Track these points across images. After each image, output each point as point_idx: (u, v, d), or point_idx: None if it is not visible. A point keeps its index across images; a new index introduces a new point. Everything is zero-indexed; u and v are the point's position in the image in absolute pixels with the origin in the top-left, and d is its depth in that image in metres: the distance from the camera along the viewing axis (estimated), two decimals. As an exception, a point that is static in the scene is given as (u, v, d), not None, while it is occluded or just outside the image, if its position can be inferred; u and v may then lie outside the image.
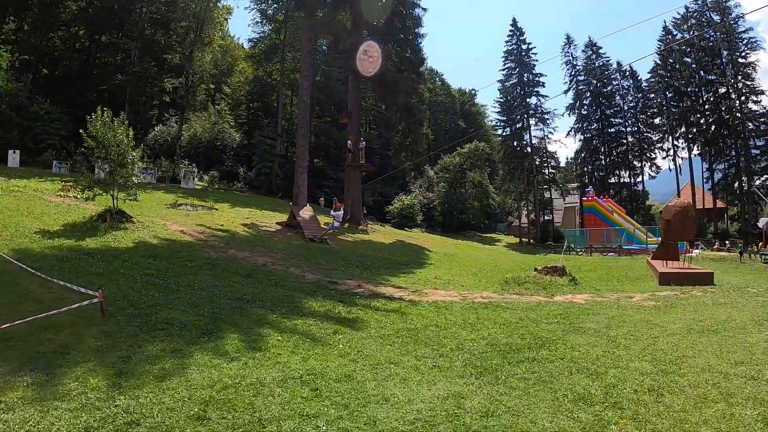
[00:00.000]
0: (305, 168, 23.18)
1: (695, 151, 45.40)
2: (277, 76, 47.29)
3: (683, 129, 46.01)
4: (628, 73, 50.14)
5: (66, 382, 4.28)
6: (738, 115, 41.32)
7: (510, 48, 48.51)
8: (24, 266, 7.66)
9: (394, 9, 27.84)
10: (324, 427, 3.76)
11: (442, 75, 70.80)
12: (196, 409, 3.92)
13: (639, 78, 50.22)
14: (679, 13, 45.52)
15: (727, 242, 33.28)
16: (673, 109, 46.27)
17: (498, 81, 50.17)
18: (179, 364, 4.97)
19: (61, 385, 4.23)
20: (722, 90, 43.27)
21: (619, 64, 49.89)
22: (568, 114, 51.73)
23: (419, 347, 6.24)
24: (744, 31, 42.22)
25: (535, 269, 14.06)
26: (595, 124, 50.76)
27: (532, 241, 44.48)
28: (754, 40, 42.03)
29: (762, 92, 41.45)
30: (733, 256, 24.97)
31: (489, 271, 16.07)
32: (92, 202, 14.52)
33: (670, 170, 47.36)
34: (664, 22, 46.79)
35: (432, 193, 47.46)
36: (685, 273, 13.38)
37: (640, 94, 49.99)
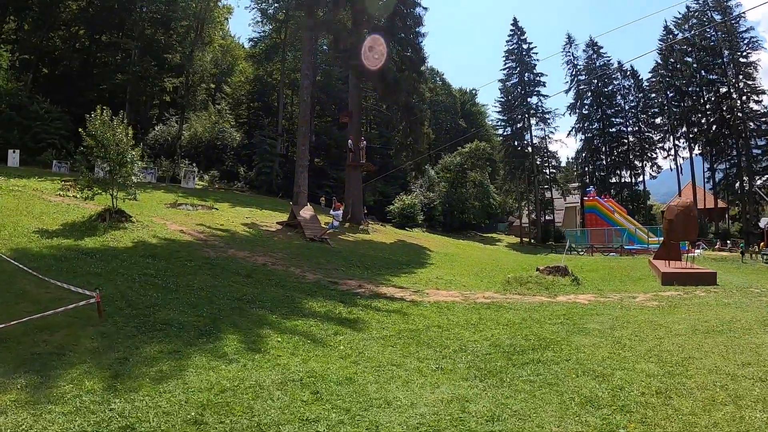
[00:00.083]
0: (306, 167, 23.12)
1: (696, 151, 45.38)
2: (278, 76, 47.25)
3: (684, 129, 45.90)
4: (629, 72, 50.13)
5: (61, 385, 4.19)
6: (739, 114, 41.21)
7: (511, 47, 48.39)
8: (21, 266, 7.58)
9: (395, 8, 27.76)
10: (325, 432, 3.66)
11: (443, 75, 70.76)
12: (193, 413, 3.81)
13: (640, 78, 50.22)
14: (680, 13, 45.52)
15: (728, 242, 33.21)
16: (674, 109, 46.17)
17: (499, 80, 50.11)
18: (177, 366, 4.87)
19: (55, 387, 4.13)
20: (723, 90, 43.17)
21: (620, 63, 49.87)
22: (569, 114, 51.70)
23: (421, 348, 6.14)
24: (745, 31, 42.18)
25: (537, 269, 13.97)
26: (596, 124, 50.67)
27: (533, 241, 44.38)
28: (755, 39, 42.02)
29: (763, 92, 41.36)
30: (735, 256, 24.92)
31: (490, 271, 15.99)
32: (91, 201, 14.46)
33: (671, 170, 47.34)
34: (665, 21, 46.80)
35: (433, 192, 47.37)
36: (688, 273, 13.31)
37: (641, 94, 49.91)
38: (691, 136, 45.37)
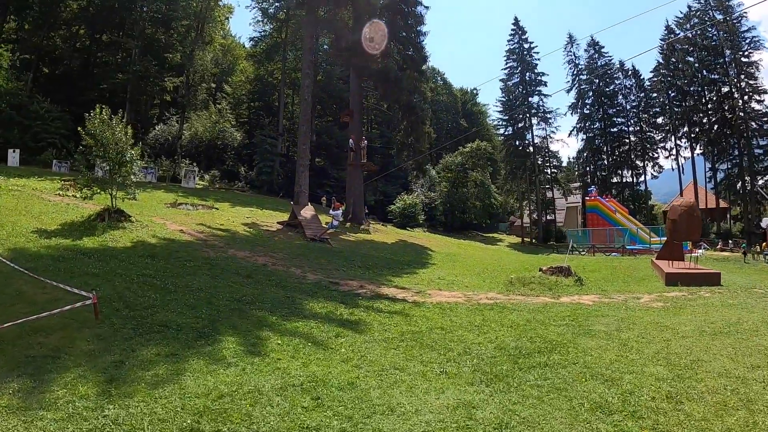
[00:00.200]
0: (306, 167, 23.04)
1: (698, 151, 45.12)
2: (279, 75, 47.16)
3: (686, 128, 45.69)
4: (630, 72, 49.88)
5: (54, 390, 4.07)
6: (741, 114, 41.01)
7: (512, 47, 48.23)
8: (17, 267, 7.46)
9: (396, 7, 27.65)
10: (326, 441, 3.54)
11: (444, 74, 70.63)
12: (189, 421, 3.69)
13: (641, 77, 49.97)
14: (681, 12, 45.35)
15: (730, 242, 33.05)
16: (676, 109, 45.99)
17: (500, 80, 49.95)
18: (174, 369, 4.75)
19: (48, 392, 4.02)
20: (725, 89, 42.96)
21: (621, 63, 49.65)
22: (571, 113, 51.47)
23: (425, 351, 6.02)
24: (747, 30, 41.91)
25: (540, 269, 13.85)
26: (597, 124, 50.48)
27: (534, 240, 44.25)
28: (756, 39, 41.69)
29: (765, 91, 41.11)
30: (737, 256, 24.80)
31: (492, 271, 15.87)
32: (91, 201, 14.35)
33: (673, 170, 47.10)
34: (667, 21, 46.62)
35: (434, 192, 47.27)
36: (692, 273, 13.20)
37: (643, 94, 49.69)
38: (692, 135, 45.18)
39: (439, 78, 68.06)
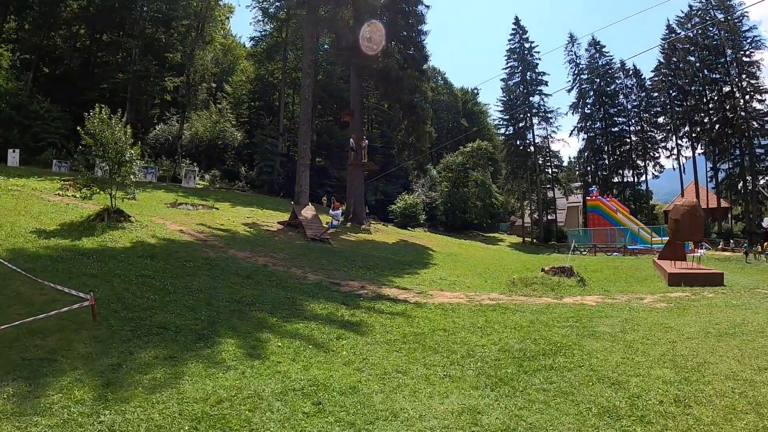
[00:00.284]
0: (307, 167, 22.96)
1: (699, 150, 44.97)
2: (279, 75, 47.08)
3: (687, 128, 45.55)
4: (631, 72, 49.74)
5: (49, 394, 3.98)
6: (742, 114, 40.88)
7: (513, 46, 48.10)
8: (15, 268, 7.38)
9: (397, 6, 27.55)
10: (327, 449, 3.45)
11: (445, 74, 70.48)
12: (187, 427, 3.59)
13: (642, 77, 49.78)
14: (682, 11, 45.22)
15: (731, 242, 32.95)
16: (677, 108, 45.85)
17: (501, 79, 49.78)
18: (172, 373, 4.65)
19: (44, 397, 3.93)
20: (726, 89, 42.82)
21: (622, 62, 49.53)
22: (572, 113, 51.35)
23: (428, 354, 5.92)
24: (748, 30, 41.75)
25: (542, 270, 13.75)
26: (598, 123, 50.37)
27: (535, 240, 44.16)
28: (758, 38, 41.54)
29: (766, 91, 40.98)
30: (738, 256, 24.71)
31: (494, 272, 15.78)
32: (90, 201, 14.27)
33: (674, 169, 46.96)
34: (668, 20, 46.43)
35: (435, 192, 47.17)
36: (694, 273, 13.10)
37: (644, 93, 49.55)
38: (693, 135, 45.06)
39: (439, 77, 67.96)
